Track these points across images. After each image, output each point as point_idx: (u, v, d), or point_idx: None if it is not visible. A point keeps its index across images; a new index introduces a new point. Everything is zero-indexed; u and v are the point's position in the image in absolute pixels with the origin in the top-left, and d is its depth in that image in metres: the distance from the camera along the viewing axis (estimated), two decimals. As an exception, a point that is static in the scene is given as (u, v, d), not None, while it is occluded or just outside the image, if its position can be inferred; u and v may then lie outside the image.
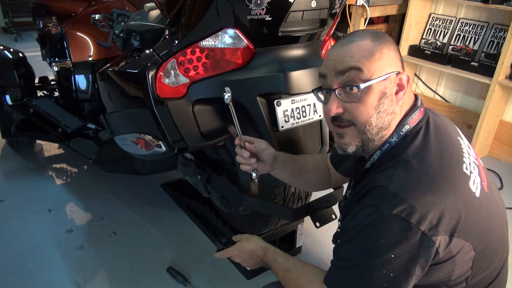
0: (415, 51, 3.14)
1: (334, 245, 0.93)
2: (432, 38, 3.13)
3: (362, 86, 0.85)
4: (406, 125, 0.89)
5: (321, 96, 0.97)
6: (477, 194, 0.86)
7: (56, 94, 2.77)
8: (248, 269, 1.73)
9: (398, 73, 0.88)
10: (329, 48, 0.96)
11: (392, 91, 0.88)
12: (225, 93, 1.07)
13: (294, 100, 1.41)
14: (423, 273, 0.81)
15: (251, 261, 1.12)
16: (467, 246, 0.84)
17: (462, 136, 0.98)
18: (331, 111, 0.90)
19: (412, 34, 3.15)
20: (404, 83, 0.88)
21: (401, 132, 0.89)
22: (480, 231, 0.86)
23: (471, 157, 0.91)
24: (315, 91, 0.98)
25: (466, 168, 0.85)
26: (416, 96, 0.96)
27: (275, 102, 1.37)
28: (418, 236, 0.76)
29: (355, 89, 0.86)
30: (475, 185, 0.86)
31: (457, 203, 0.80)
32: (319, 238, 2.00)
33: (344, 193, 1.10)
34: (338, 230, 1.00)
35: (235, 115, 1.12)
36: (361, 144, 0.91)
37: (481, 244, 0.86)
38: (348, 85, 0.87)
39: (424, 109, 0.94)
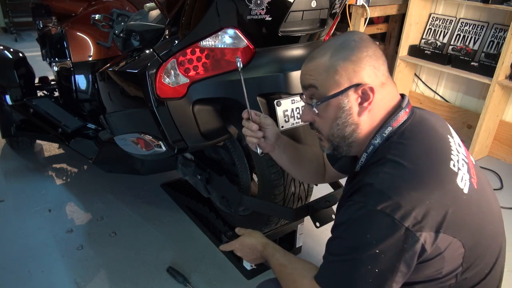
0: (415, 51, 3.14)
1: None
2: (432, 38, 3.14)
3: (317, 104, 0.94)
4: (389, 127, 0.92)
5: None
6: (465, 191, 0.86)
7: (56, 94, 2.77)
8: (248, 268, 1.73)
9: (358, 85, 0.90)
10: None
11: (351, 104, 0.92)
12: (236, 62, 1.18)
13: (294, 100, 1.41)
14: (410, 269, 0.82)
15: (251, 255, 1.15)
16: (455, 242, 0.84)
17: (454, 134, 0.99)
18: (302, 119, 1.02)
19: (412, 34, 3.15)
20: (369, 93, 0.90)
21: (383, 134, 0.92)
22: (469, 227, 0.86)
23: (460, 155, 0.92)
24: (301, 96, 1.06)
25: (454, 165, 0.87)
26: (402, 96, 0.98)
27: (275, 102, 1.37)
28: (402, 232, 0.78)
29: (313, 106, 0.95)
30: (463, 182, 0.87)
31: (443, 200, 0.82)
32: (319, 238, 2.00)
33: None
34: None
35: (244, 85, 1.17)
36: (332, 149, 0.99)
37: (471, 240, 0.87)
38: (306, 102, 0.98)
39: (411, 109, 0.96)
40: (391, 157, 0.87)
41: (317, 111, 0.95)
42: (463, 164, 0.90)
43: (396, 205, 0.79)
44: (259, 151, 1.19)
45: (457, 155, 0.90)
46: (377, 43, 1.03)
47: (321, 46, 0.97)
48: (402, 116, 0.93)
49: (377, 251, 0.79)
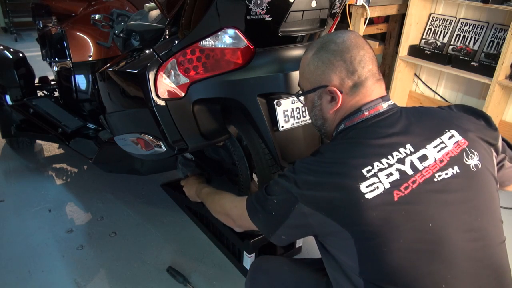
0: (415, 51, 3.14)
1: None
2: (432, 38, 3.14)
3: (298, 95, 1.13)
4: (342, 125, 1.05)
5: None
6: (368, 197, 0.88)
7: (56, 94, 2.77)
8: (248, 268, 1.73)
9: (326, 86, 1.03)
10: None
11: (322, 102, 1.07)
12: None
13: (294, 100, 1.41)
14: (295, 231, 1.01)
15: (190, 191, 1.62)
16: (341, 230, 0.91)
17: (433, 138, 0.97)
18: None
19: (412, 34, 3.16)
20: (337, 95, 1.02)
21: (337, 130, 1.07)
22: (371, 226, 0.88)
23: (403, 166, 0.92)
24: None
25: (369, 171, 0.91)
26: (382, 98, 1.03)
27: (275, 102, 1.37)
28: (292, 198, 0.96)
29: (297, 96, 1.14)
30: (372, 188, 0.89)
31: (334, 191, 0.91)
32: (319, 238, 2.00)
33: None
34: None
35: None
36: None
37: (372, 239, 0.89)
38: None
39: (370, 113, 1.01)
40: (321, 148, 1.03)
41: (302, 100, 1.15)
42: (396, 176, 0.91)
43: (294, 179, 0.97)
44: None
45: (387, 165, 0.92)
46: (367, 45, 1.06)
47: (314, 41, 1.07)
48: (357, 118, 1.02)
49: (275, 200, 1.01)
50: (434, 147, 0.96)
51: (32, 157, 2.75)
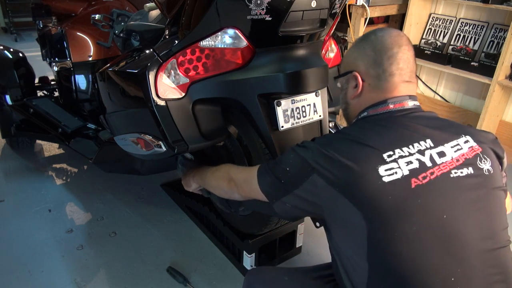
0: (415, 51, 3.13)
1: None
2: (432, 38, 3.14)
3: (334, 78, 1.22)
4: (366, 112, 1.08)
5: None
6: (385, 180, 0.90)
7: (56, 94, 2.77)
8: (248, 268, 1.73)
9: (352, 71, 1.10)
10: None
11: (348, 86, 1.13)
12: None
13: (294, 100, 1.41)
14: (301, 204, 1.00)
15: (190, 180, 1.54)
16: (353, 210, 0.91)
17: (450, 140, 1.00)
18: None
19: (412, 34, 3.16)
20: (359, 81, 1.08)
21: (359, 116, 1.10)
22: (385, 209, 0.89)
23: (423, 157, 0.95)
24: None
25: (389, 156, 0.93)
26: (395, 97, 1.05)
27: (275, 102, 1.37)
28: (308, 168, 0.97)
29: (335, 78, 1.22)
30: (391, 173, 0.92)
31: (353, 169, 0.92)
32: (319, 238, 2.00)
33: None
34: None
35: None
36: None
37: (384, 222, 0.89)
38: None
39: (395, 107, 1.05)
40: (343, 128, 1.09)
41: (338, 84, 1.19)
42: (415, 165, 0.93)
43: (315, 151, 0.99)
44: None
45: (408, 154, 0.95)
46: (408, 47, 1.09)
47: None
48: (381, 109, 1.06)
49: (288, 168, 1.02)
50: (452, 147, 0.99)
51: (32, 157, 2.75)
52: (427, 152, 0.96)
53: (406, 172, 0.92)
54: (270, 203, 1.07)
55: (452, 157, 0.97)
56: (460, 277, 0.89)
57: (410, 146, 0.96)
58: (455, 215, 0.92)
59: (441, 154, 0.97)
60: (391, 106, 1.04)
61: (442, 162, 0.95)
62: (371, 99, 1.07)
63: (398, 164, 0.93)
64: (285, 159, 1.05)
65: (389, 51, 1.04)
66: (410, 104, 1.05)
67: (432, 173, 0.93)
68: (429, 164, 0.94)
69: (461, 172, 0.95)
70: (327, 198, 0.95)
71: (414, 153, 0.95)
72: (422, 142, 0.97)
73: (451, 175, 0.94)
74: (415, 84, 1.09)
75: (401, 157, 0.94)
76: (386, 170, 0.92)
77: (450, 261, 0.90)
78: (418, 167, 0.93)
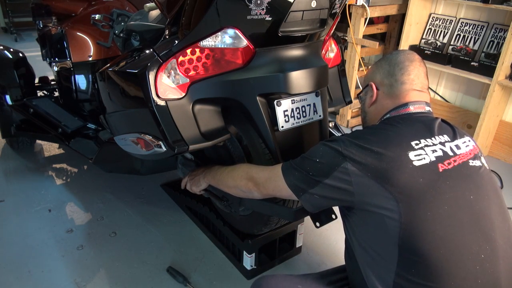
0: (415, 51, 3.13)
1: None
2: (432, 38, 3.14)
3: (357, 96, 1.35)
4: (388, 115, 1.19)
5: None
6: (416, 164, 0.99)
7: (56, 94, 2.77)
8: (248, 268, 1.74)
9: (370, 83, 1.24)
10: None
11: (366, 97, 1.27)
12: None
13: (294, 100, 1.41)
14: (332, 193, 1.04)
15: (195, 182, 1.56)
16: (385, 194, 0.97)
17: (460, 137, 1.12)
18: None
19: (412, 34, 3.15)
20: (374, 89, 1.23)
21: (383, 118, 1.20)
22: (418, 190, 0.97)
23: (444, 146, 1.06)
24: None
25: (417, 144, 1.03)
26: (415, 101, 1.17)
27: (275, 102, 1.37)
28: (339, 157, 1.03)
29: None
30: (420, 158, 1.01)
31: (385, 155, 1.00)
32: (319, 238, 2.00)
33: None
34: None
35: None
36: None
37: (417, 203, 0.96)
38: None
39: (415, 109, 1.16)
40: (370, 126, 1.19)
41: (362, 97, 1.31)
42: (440, 153, 1.04)
43: (348, 142, 1.05)
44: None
45: (432, 144, 1.05)
46: (419, 63, 1.25)
47: None
48: (402, 111, 1.17)
49: (317, 160, 1.08)
50: (463, 143, 1.11)
51: (32, 157, 2.75)
52: (447, 144, 1.07)
53: (433, 158, 1.02)
54: (297, 197, 1.10)
55: (465, 151, 1.09)
56: (489, 255, 0.97)
57: (433, 138, 1.07)
58: (480, 197, 1.02)
59: (457, 147, 1.08)
60: (412, 108, 1.16)
61: (461, 153, 1.07)
62: (386, 105, 1.20)
63: (425, 151, 1.03)
64: (313, 153, 1.10)
65: (401, 64, 1.19)
66: (427, 109, 1.18)
67: (455, 161, 1.04)
68: (450, 153, 1.05)
69: (475, 163, 1.08)
70: (358, 185, 1.00)
71: (437, 144, 1.06)
72: (441, 136, 1.09)
73: (470, 164, 1.07)
74: (427, 94, 1.20)
75: (426, 146, 1.04)
76: (415, 155, 1.01)
77: (481, 238, 0.98)
78: (442, 155, 1.04)
